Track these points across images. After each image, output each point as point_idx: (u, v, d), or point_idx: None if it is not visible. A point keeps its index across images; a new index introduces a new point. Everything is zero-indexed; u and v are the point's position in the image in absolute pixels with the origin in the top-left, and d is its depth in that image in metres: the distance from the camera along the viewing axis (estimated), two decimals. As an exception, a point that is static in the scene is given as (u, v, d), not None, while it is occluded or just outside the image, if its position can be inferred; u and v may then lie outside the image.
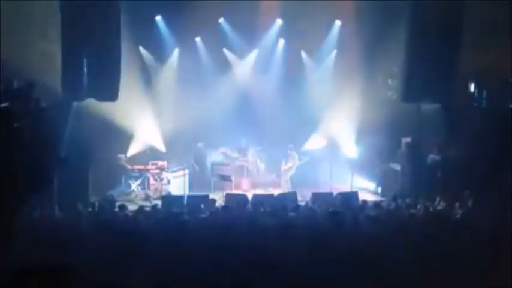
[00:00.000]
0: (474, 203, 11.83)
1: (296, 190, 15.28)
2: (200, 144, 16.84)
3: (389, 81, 16.23)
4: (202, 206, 12.27)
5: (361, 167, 16.24)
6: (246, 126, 17.12)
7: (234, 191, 15.51)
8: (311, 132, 17.27)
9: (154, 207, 12.14)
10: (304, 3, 15.91)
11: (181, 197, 14.23)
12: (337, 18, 16.80)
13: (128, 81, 14.74)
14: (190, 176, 16.24)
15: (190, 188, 15.98)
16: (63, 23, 13.41)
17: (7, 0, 13.14)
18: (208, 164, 16.80)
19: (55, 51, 13.48)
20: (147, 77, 16.86)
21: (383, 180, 16.28)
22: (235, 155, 17.10)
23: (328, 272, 8.08)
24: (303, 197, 14.42)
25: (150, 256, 8.44)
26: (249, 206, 12.62)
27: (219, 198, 13.87)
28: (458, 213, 11.44)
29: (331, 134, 17.07)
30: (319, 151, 16.99)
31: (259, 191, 15.70)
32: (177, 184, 15.95)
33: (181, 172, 16.22)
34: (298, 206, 12.26)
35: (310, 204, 13.17)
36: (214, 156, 17.05)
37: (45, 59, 13.18)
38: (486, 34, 14.53)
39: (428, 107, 15.67)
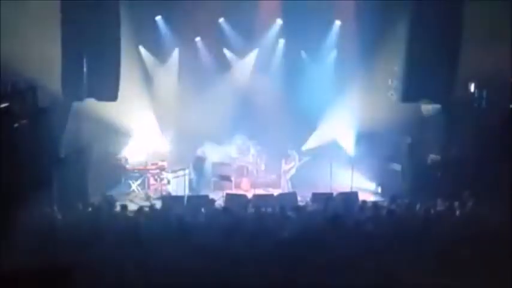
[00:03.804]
0: (474, 203, 11.82)
1: (296, 190, 15.28)
2: (200, 151, 16.56)
3: (390, 81, 16.21)
4: (203, 209, 12.22)
5: (361, 167, 16.22)
6: (246, 126, 17.13)
7: (234, 191, 15.51)
8: (311, 132, 17.27)
9: (153, 207, 12.14)
10: (304, 3, 15.90)
11: (181, 197, 14.22)
12: (337, 18, 16.80)
13: (128, 81, 14.73)
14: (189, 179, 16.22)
15: (190, 188, 15.97)
16: (63, 23, 13.40)
17: (7, 0, 13.15)
18: (206, 171, 16.60)
19: (55, 51, 13.47)
20: (147, 77, 16.86)
21: (383, 180, 16.28)
22: (235, 155, 17.11)
23: (328, 272, 8.08)
24: (303, 197, 14.42)
25: (150, 256, 8.44)
26: (250, 206, 12.59)
27: (218, 198, 13.88)
28: (458, 213, 11.44)
29: (331, 134, 17.07)
30: (319, 151, 16.99)
31: (259, 191, 15.69)
32: (177, 184, 15.94)
33: (181, 172, 16.21)
34: (298, 206, 12.25)
35: (310, 204, 13.18)
36: (214, 157, 17.02)
37: (45, 59, 13.16)
38: (486, 34, 14.52)
39: (428, 107, 15.67)
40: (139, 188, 16.15)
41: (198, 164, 16.29)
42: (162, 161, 16.53)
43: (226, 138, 17.12)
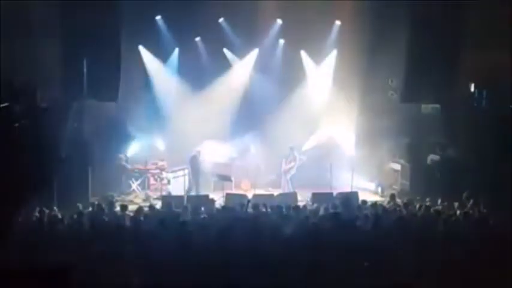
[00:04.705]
0: (474, 203, 11.83)
1: (296, 190, 15.28)
2: (195, 151, 16.33)
3: (390, 81, 16.22)
4: (203, 208, 12.21)
5: (361, 167, 16.22)
6: (246, 126, 17.11)
7: (234, 191, 15.50)
8: (311, 132, 17.25)
9: (152, 207, 12.14)
10: (304, 3, 15.89)
11: (181, 197, 14.23)
12: (337, 18, 16.78)
13: (128, 81, 14.73)
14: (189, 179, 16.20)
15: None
16: (63, 23, 13.42)
17: (7, 0, 13.16)
18: (202, 170, 16.45)
19: (55, 51, 13.48)
20: (147, 77, 16.85)
21: (383, 180, 16.29)
22: (235, 154, 17.09)
23: (328, 272, 8.09)
24: (303, 197, 14.43)
25: (150, 256, 8.45)
26: (250, 206, 12.57)
27: (218, 198, 13.87)
28: (458, 213, 11.44)
29: (331, 134, 17.06)
30: (319, 151, 16.98)
31: (259, 191, 15.67)
32: (177, 184, 15.93)
33: (181, 172, 16.20)
34: (298, 206, 12.24)
35: (310, 204, 13.18)
36: (214, 157, 17.00)
37: (45, 59, 13.18)
38: (486, 34, 14.53)
39: (428, 107, 15.67)
40: (139, 188, 16.15)
41: (194, 163, 16.25)
42: (162, 161, 16.53)
43: (226, 138, 17.09)
